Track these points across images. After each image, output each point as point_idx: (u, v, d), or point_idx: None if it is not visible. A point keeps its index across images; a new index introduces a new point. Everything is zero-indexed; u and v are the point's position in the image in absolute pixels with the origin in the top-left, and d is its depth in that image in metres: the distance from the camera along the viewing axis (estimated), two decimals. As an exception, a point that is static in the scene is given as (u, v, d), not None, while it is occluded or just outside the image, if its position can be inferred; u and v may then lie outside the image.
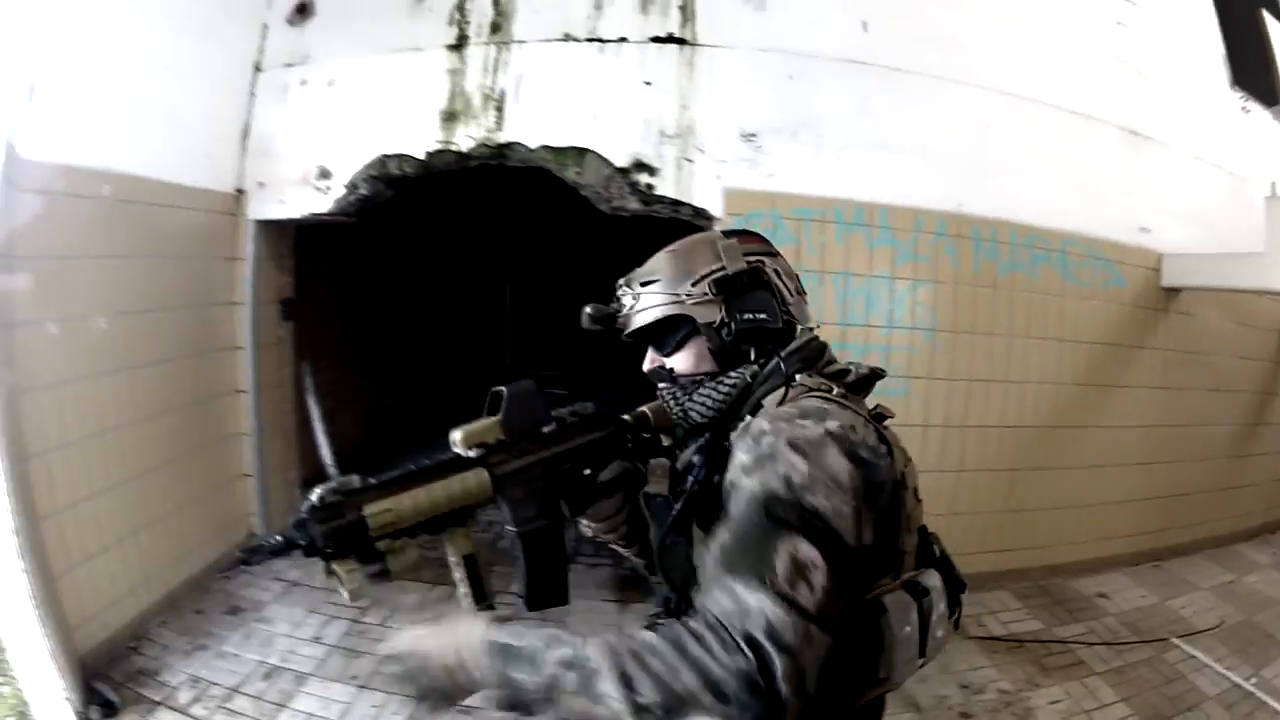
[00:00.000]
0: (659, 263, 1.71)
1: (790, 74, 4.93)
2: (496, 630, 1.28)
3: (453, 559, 1.51)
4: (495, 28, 5.04)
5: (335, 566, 1.32)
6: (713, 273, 1.63)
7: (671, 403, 1.67)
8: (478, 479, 1.46)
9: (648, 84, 4.87)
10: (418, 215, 5.86)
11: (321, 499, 1.33)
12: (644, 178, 4.84)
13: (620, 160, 4.87)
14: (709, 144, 4.90)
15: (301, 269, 6.04)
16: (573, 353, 5.73)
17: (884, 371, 1.67)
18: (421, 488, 1.41)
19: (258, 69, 5.53)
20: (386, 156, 5.18)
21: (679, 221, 4.94)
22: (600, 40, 4.93)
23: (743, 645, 1.11)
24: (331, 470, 4.61)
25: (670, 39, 4.87)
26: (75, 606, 4.31)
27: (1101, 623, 5.13)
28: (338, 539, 1.32)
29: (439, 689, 1.30)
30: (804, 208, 4.93)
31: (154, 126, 4.85)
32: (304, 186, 5.40)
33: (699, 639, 1.14)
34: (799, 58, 4.94)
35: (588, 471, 1.64)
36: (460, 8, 5.10)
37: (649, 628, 1.28)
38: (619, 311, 1.71)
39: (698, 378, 1.65)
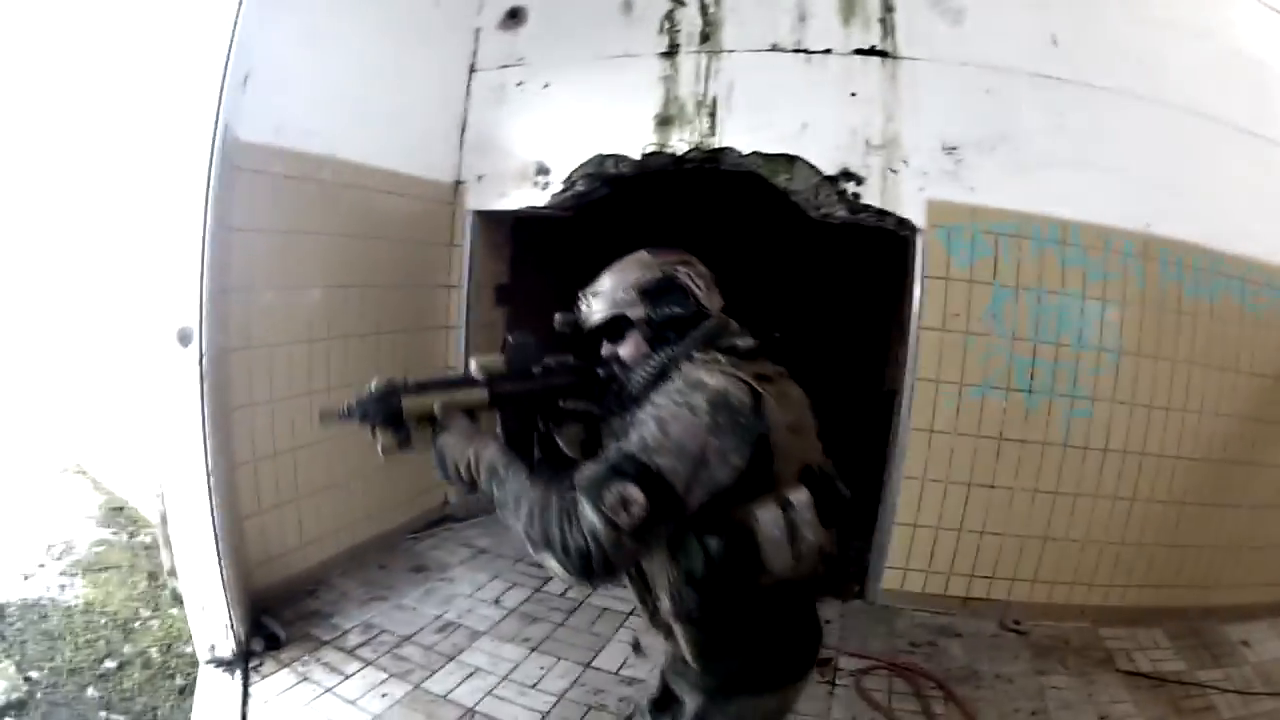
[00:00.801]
0: (603, 278, 2.31)
1: (987, 88, 4.97)
2: (498, 457, 1.99)
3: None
4: (705, 37, 5.26)
5: (378, 432, 2.02)
6: (637, 281, 2.22)
7: (621, 380, 2.26)
8: (480, 395, 2.17)
9: (853, 95, 4.98)
10: (628, 212, 6.02)
11: (377, 388, 2.02)
12: (850, 186, 4.94)
13: (828, 169, 4.99)
14: (912, 156, 4.97)
15: (515, 259, 6.49)
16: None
17: (771, 342, 2.26)
18: (443, 393, 2.10)
19: (473, 70, 5.98)
20: (604, 156, 5.49)
21: (882, 230, 5.06)
22: (806, 51, 5.08)
23: (584, 533, 1.74)
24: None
25: (873, 51, 4.98)
26: (259, 547, 4.65)
27: (1239, 670, 4.93)
28: (382, 415, 2.01)
29: (452, 472, 2.04)
30: (1001, 222, 4.94)
31: (377, 121, 5.27)
32: (523, 181, 5.83)
33: (569, 513, 1.78)
34: (994, 72, 4.97)
35: (561, 402, 2.33)
36: (670, 17, 5.35)
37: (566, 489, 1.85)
38: (580, 317, 2.32)
39: (638, 360, 2.22)
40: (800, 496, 2.02)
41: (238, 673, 4.23)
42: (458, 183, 6.11)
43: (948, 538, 5.03)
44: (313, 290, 4.92)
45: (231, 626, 4.26)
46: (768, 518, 1.97)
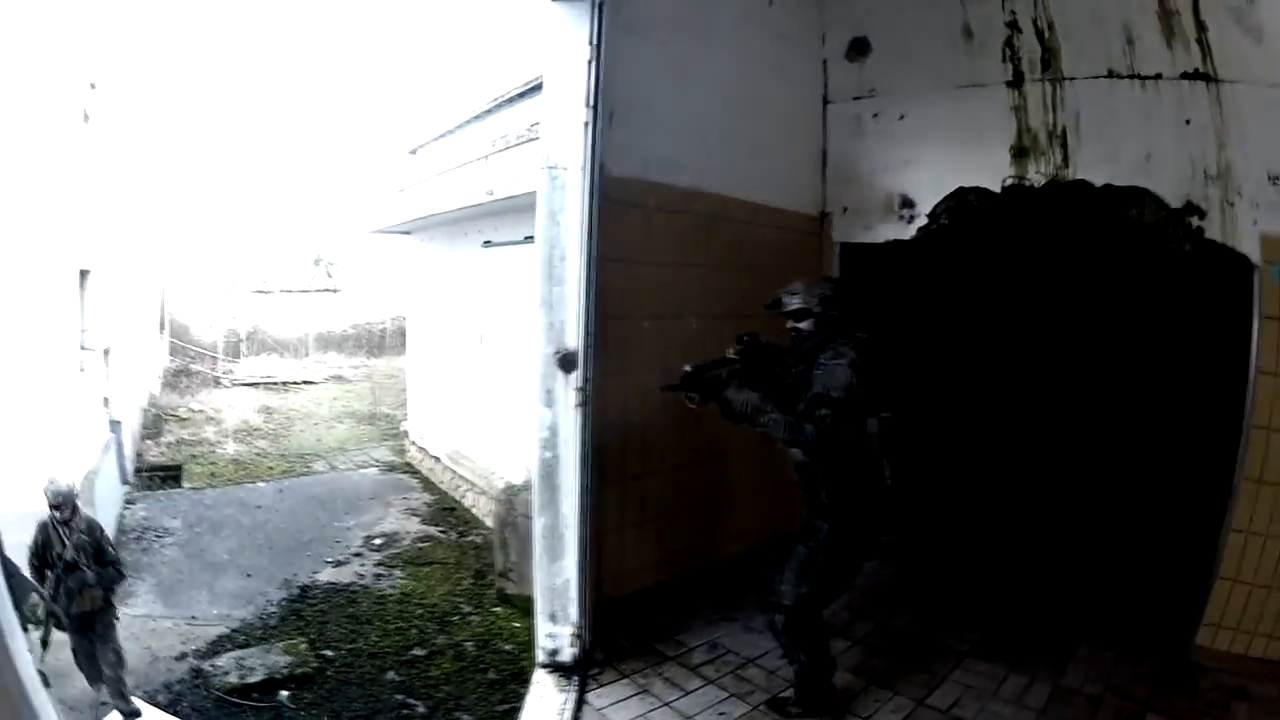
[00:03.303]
0: (797, 284, 3.84)
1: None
2: (755, 398, 3.56)
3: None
4: (1045, 64, 5.12)
5: (688, 396, 3.62)
6: (818, 291, 3.78)
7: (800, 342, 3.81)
8: (734, 365, 3.76)
9: (1187, 122, 4.70)
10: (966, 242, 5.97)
11: (690, 368, 3.65)
12: (1194, 220, 4.71)
13: (1173, 201, 4.75)
14: (1244, 186, 4.61)
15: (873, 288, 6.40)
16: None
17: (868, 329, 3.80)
18: (720, 367, 3.72)
19: (826, 102, 6.11)
20: (964, 189, 5.47)
21: (1213, 267, 4.75)
22: (1139, 77, 4.85)
23: (807, 433, 3.47)
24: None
25: (1197, 75, 4.65)
26: (614, 560, 4.84)
27: None
28: (693, 385, 3.63)
29: (734, 411, 3.59)
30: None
31: (740, 153, 5.44)
32: (888, 214, 5.89)
33: (801, 426, 3.47)
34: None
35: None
36: (1009, 44, 5.24)
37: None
38: (785, 305, 3.81)
39: (811, 333, 3.76)
40: (873, 423, 3.73)
41: (575, 678, 4.40)
42: (823, 214, 6.24)
43: (1265, 595, 4.55)
44: (689, 320, 5.18)
45: (579, 634, 4.45)
46: (871, 427, 3.73)
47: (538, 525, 4.46)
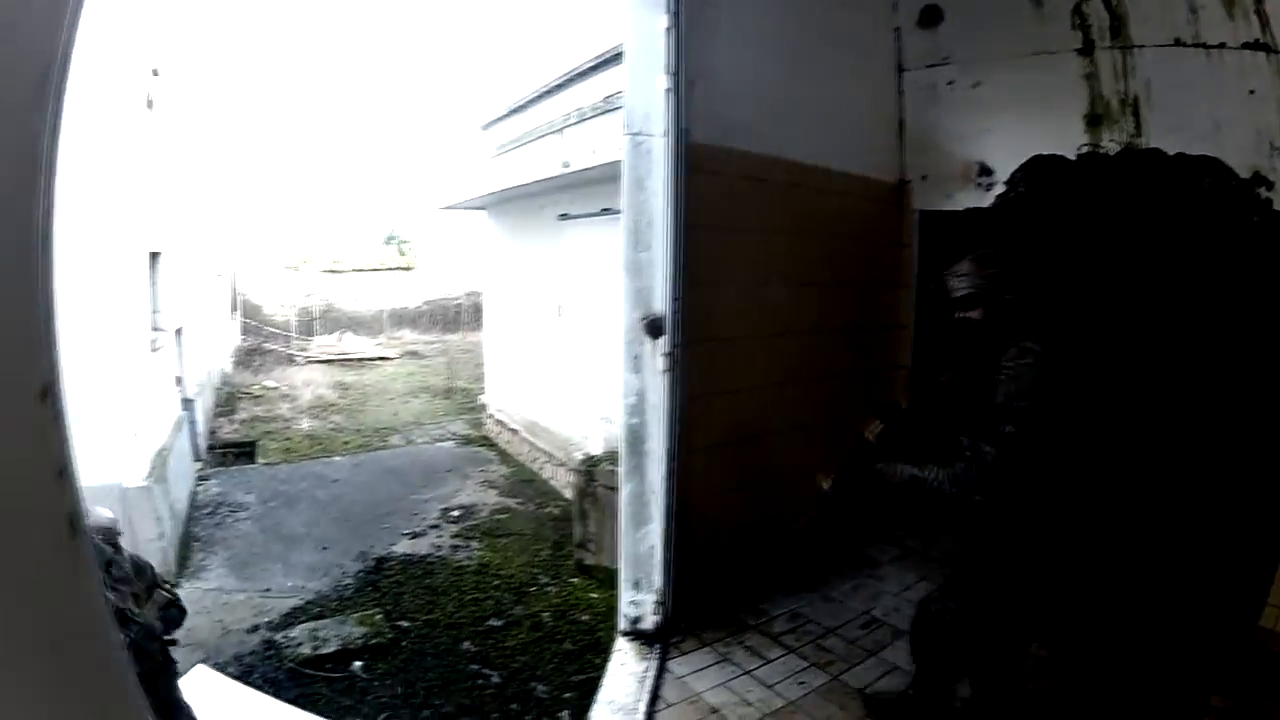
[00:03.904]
0: (966, 266, 3.31)
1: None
2: (907, 468, 3.24)
3: None
4: (1114, 31, 5.01)
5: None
6: (989, 272, 3.27)
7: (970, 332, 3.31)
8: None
9: (1251, 93, 4.60)
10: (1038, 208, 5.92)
11: (828, 485, 3.48)
12: (1262, 191, 4.60)
13: (1241, 171, 4.66)
14: None
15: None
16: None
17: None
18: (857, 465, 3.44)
19: (901, 70, 6.06)
20: (1041, 156, 5.39)
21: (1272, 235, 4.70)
22: (1205, 46, 4.75)
23: (983, 460, 3.01)
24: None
25: (1258, 45, 4.55)
26: (700, 529, 4.78)
27: None
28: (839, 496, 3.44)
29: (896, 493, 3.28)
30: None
31: (818, 121, 5.40)
32: (965, 182, 5.83)
33: (974, 457, 3.05)
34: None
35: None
36: (1078, 10, 5.13)
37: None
38: (952, 291, 3.32)
39: (988, 327, 3.23)
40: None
41: (657, 646, 4.44)
42: (902, 182, 6.22)
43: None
44: (773, 286, 5.17)
45: (662, 601, 4.46)
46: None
47: (623, 492, 4.48)
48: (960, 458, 3.09)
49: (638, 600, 4.53)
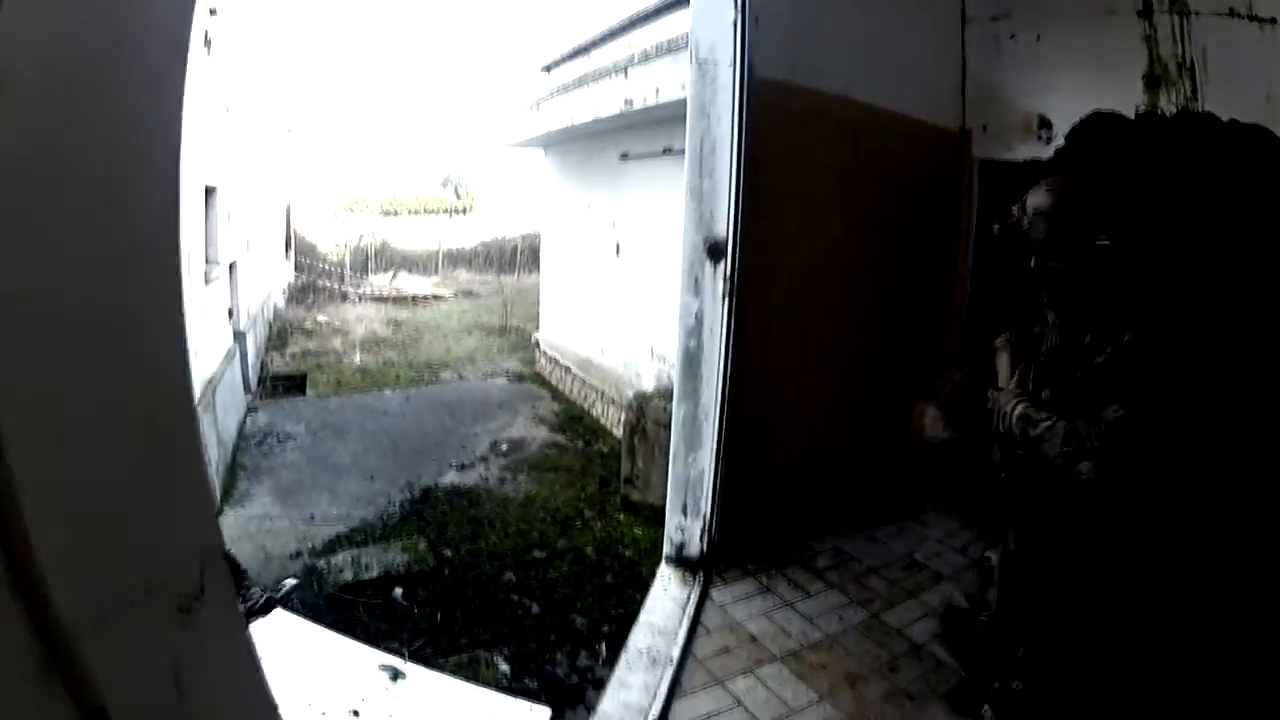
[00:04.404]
0: (1043, 199, 2.85)
1: None
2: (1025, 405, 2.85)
3: None
4: None
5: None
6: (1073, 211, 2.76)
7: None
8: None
9: None
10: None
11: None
12: None
13: None
14: None
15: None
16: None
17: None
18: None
19: (965, 20, 6.04)
20: (1100, 113, 5.35)
21: None
22: (1257, 19, 4.67)
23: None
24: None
25: None
26: (751, 457, 4.85)
27: None
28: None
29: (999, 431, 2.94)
30: None
31: (884, 65, 5.42)
32: (1026, 134, 5.82)
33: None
34: None
35: None
36: None
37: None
38: (1024, 229, 2.90)
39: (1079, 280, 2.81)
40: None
41: (700, 573, 4.48)
42: (963, 130, 6.22)
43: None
44: (832, 221, 5.15)
45: (709, 530, 4.50)
46: None
47: (677, 415, 4.51)
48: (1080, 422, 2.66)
49: (684, 526, 4.58)
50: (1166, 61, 5.06)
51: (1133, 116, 5.21)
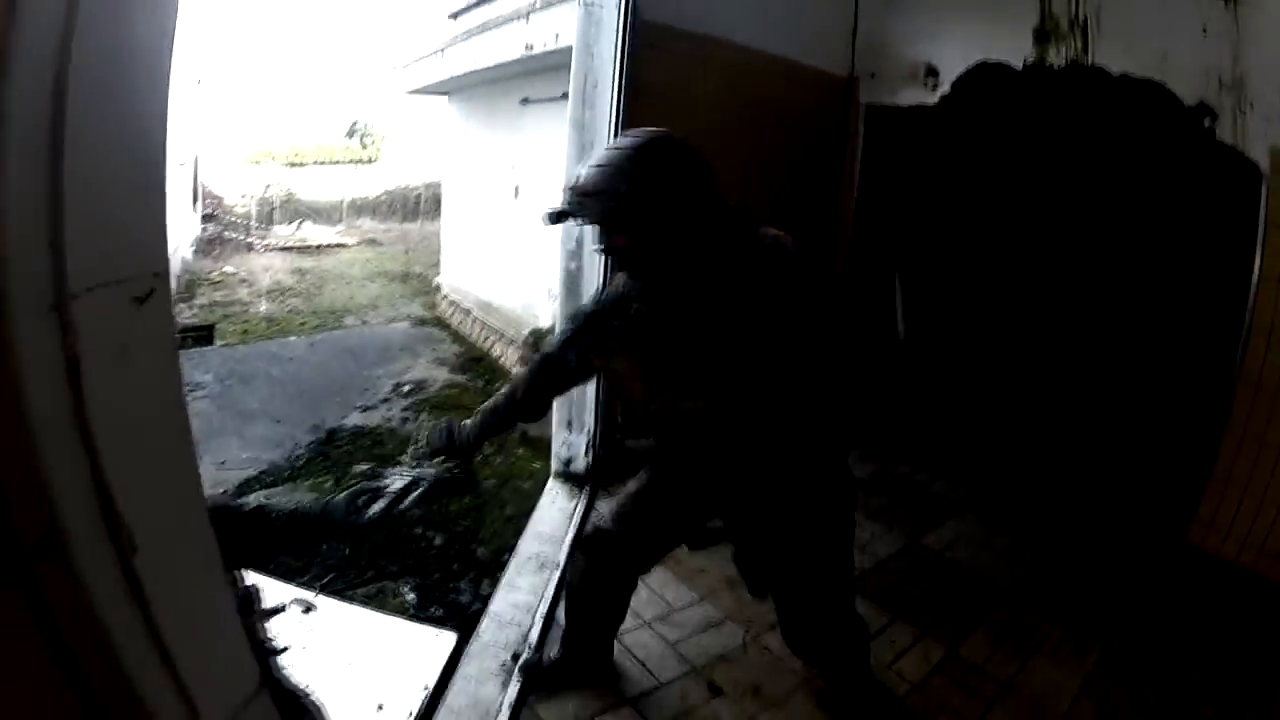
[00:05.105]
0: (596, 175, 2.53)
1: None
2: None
3: None
4: None
5: None
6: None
7: None
8: None
9: (1204, 31, 4.81)
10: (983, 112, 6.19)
11: None
12: (1206, 120, 4.84)
13: (1187, 100, 4.91)
14: (1257, 100, 4.72)
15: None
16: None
17: None
18: None
19: None
20: (986, 63, 5.74)
21: (1216, 166, 4.86)
22: None
23: None
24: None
25: None
26: None
27: None
28: None
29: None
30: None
31: (775, 13, 5.75)
32: (912, 81, 6.21)
33: None
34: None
35: None
36: None
37: None
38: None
39: None
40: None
41: (586, 487, 4.79)
42: (851, 77, 6.56)
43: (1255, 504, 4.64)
44: (711, 156, 5.28)
45: (593, 445, 4.76)
46: None
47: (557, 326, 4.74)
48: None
49: (570, 442, 4.83)
50: (1059, 17, 5.38)
51: (1019, 67, 5.50)
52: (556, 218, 2.60)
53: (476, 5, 13.01)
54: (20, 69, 0.75)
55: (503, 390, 2.89)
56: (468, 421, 2.86)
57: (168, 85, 1.05)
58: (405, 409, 10.25)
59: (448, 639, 3.86)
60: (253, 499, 7.42)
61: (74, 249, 0.81)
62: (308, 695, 4.17)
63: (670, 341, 2.50)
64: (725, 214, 2.60)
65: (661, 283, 2.52)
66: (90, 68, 0.86)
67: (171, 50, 1.10)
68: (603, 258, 4.19)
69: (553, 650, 3.40)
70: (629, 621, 3.52)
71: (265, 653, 2.01)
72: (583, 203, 2.47)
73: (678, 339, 2.48)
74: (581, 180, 2.48)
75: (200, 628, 1.07)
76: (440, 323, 15.00)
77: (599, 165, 2.47)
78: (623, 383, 2.75)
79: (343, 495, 4.44)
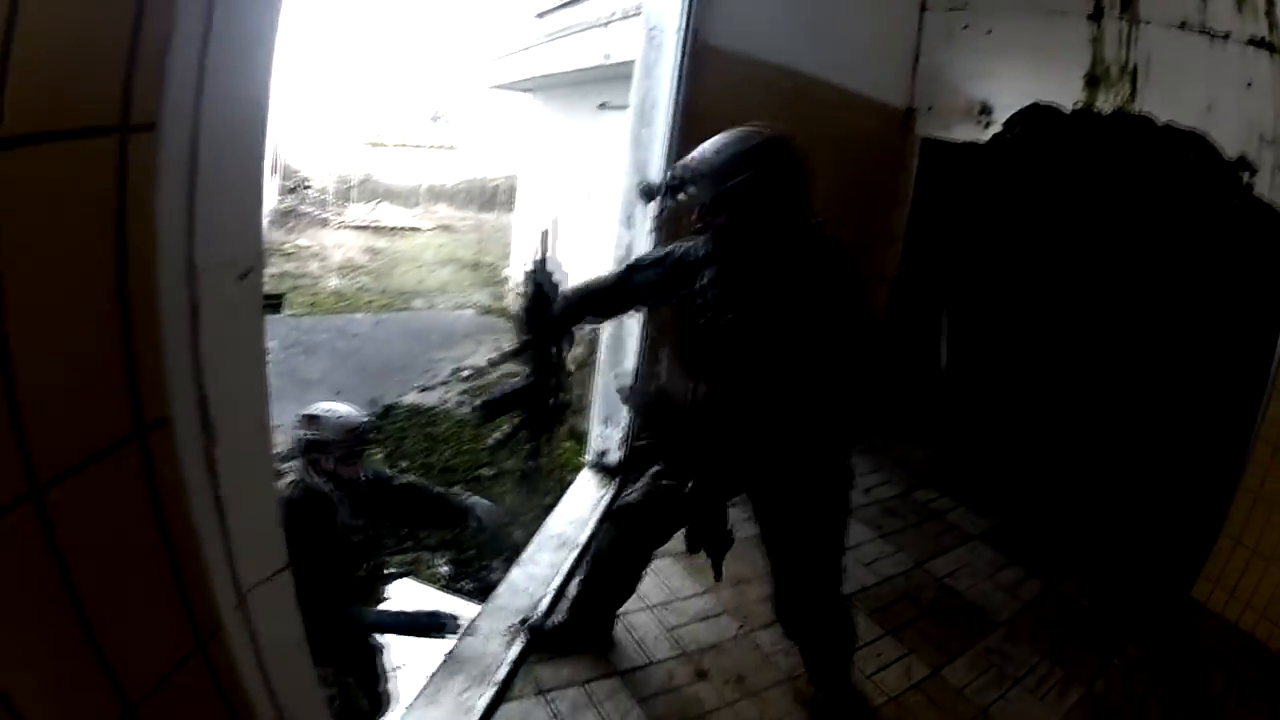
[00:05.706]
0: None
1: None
2: None
3: None
4: (1125, 5, 5.38)
5: None
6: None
7: None
8: None
9: (1249, 86, 4.88)
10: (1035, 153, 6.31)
11: None
12: (1245, 175, 4.88)
13: (1229, 153, 4.96)
14: None
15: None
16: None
17: None
18: None
19: (923, 9, 6.65)
20: (1038, 104, 5.91)
21: (1253, 220, 4.90)
22: (1210, 33, 5.04)
23: None
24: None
25: (1262, 43, 4.83)
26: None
27: None
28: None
29: None
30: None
31: (837, 42, 5.89)
32: (967, 117, 6.38)
33: None
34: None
35: None
36: None
37: None
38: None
39: None
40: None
41: (618, 479, 5.04)
42: (909, 110, 6.76)
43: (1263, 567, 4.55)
44: None
45: (628, 439, 5.05)
46: None
47: (605, 332, 5.03)
48: None
49: (606, 435, 5.10)
50: (1109, 64, 5.51)
51: (1069, 111, 5.70)
52: (660, 191, 2.78)
53: (562, 6, 13.34)
54: (170, 102, 1.04)
55: (583, 282, 3.30)
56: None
57: (269, 107, 1.31)
58: (462, 392, 10.53)
59: (473, 613, 3.98)
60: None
61: (200, 238, 1.12)
62: (385, 687, 4.52)
63: (718, 317, 2.73)
64: (810, 222, 2.76)
65: (736, 264, 2.76)
66: (217, 95, 1.13)
67: (271, 66, 1.30)
68: (655, 233, 4.54)
69: (558, 616, 3.65)
70: (633, 603, 3.79)
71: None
72: (695, 180, 2.64)
73: (726, 317, 2.70)
74: (696, 161, 2.67)
75: (249, 512, 1.37)
76: (506, 313, 15.14)
77: (717, 150, 2.67)
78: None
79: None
